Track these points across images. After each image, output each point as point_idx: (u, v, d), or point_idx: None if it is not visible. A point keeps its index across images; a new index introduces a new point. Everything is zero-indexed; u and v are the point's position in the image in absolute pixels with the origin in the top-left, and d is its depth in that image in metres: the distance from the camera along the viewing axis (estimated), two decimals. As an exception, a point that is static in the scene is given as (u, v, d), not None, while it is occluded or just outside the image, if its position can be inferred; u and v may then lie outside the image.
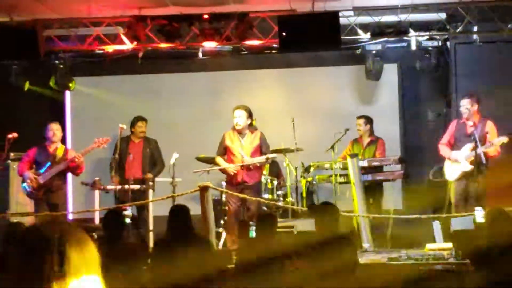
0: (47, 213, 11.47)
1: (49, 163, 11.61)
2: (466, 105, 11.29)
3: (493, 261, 7.10)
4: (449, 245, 10.50)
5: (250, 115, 11.48)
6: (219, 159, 11.60)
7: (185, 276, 7.49)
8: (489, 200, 10.90)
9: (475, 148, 11.01)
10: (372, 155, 12.41)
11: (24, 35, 11.67)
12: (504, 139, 10.99)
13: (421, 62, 13.13)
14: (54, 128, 11.84)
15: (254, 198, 10.96)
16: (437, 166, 11.86)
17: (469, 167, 11.17)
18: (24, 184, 11.61)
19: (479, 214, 7.85)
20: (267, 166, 12.35)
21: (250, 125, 11.57)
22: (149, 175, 12.19)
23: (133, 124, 12.59)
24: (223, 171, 11.53)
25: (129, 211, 10.48)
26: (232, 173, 11.29)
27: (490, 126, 11.28)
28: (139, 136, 12.61)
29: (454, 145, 11.51)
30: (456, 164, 11.32)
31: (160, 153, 12.62)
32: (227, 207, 11.48)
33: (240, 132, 11.47)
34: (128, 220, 10.53)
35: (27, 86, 13.35)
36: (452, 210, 11.30)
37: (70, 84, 13.48)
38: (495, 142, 10.98)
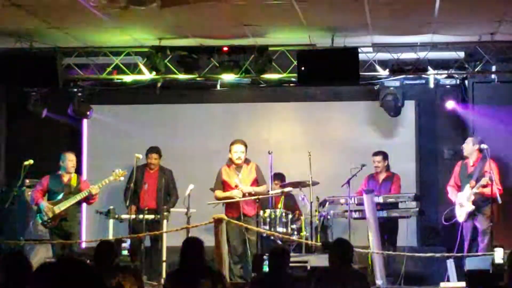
0: (61, 241, 11.51)
1: (63, 193, 11.66)
2: (465, 146, 11.51)
3: None
4: (463, 284, 10.45)
5: (246, 148, 11.68)
6: (219, 193, 11.74)
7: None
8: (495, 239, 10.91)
9: (473, 187, 11.14)
10: (388, 191, 12.38)
11: (43, 63, 11.74)
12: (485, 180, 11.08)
13: (439, 100, 13.14)
14: (72, 159, 11.89)
15: (257, 229, 11.08)
16: (449, 209, 11.86)
17: (471, 207, 11.25)
18: (40, 214, 11.65)
19: (499, 255, 7.78)
20: (282, 199, 12.37)
21: (245, 158, 11.73)
22: (164, 209, 12.15)
23: (146, 154, 12.61)
24: (226, 198, 11.62)
25: (127, 243, 10.46)
26: (238, 194, 11.48)
27: (488, 165, 11.33)
28: (152, 168, 12.63)
29: (460, 186, 11.62)
30: (459, 205, 11.42)
31: (174, 183, 12.63)
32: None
33: (237, 166, 11.61)
34: (125, 252, 10.49)
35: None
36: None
37: (87, 112, 13.52)
38: (482, 183, 11.07)
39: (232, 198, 11.61)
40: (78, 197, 11.68)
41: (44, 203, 11.64)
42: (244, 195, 11.63)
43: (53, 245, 11.77)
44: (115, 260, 7.92)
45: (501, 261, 7.86)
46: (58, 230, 11.72)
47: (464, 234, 11.53)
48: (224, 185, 11.79)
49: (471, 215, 11.41)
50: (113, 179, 11.82)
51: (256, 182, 11.76)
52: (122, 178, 11.91)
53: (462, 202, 11.40)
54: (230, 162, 11.80)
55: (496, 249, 8.00)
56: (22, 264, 5.69)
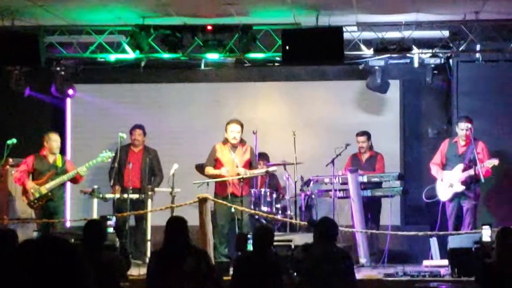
0: (44, 220, 11.48)
1: (49, 174, 11.62)
2: (465, 128, 11.42)
3: (504, 280, 7.07)
4: (446, 262, 10.52)
5: (242, 129, 11.62)
6: (210, 169, 11.69)
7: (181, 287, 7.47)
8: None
9: (466, 169, 11.16)
10: (371, 170, 12.41)
11: (26, 41, 11.65)
12: (495, 161, 11.07)
13: (423, 79, 13.13)
14: (56, 139, 11.86)
15: (241, 208, 11.10)
16: (430, 186, 11.88)
17: (461, 188, 11.29)
18: (26, 194, 11.61)
19: (486, 233, 7.82)
20: (266, 179, 12.38)
21: (241, 139, 11.68)
22: (149, 189, 12.14)
23: (130, 132, 12.58)
24: (216, 176, 11.59)
25: (112, 221, 10.44)
26: (227, 181, 11.41)
27: (481, 147, 11.39)
28: (136, 145, 12.59)
29: (446, 165, 11.63)
30: (447, 184, 11.43)
31: (159, 163, 12.60)
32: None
33: (232, 145, 11.58)
34: (111, 230, 10.49)
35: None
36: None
37: (70, 91, 13.45)
38: (487, 164, 11.08)
39: (220, 176, 11.56)
40: (66, 178, 11.67)
41: (31, 184, 11.61)
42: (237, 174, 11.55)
43: (37, 225, 11.74)
44: (104, 239, 7.91)
45: (489, 239, 7.91)
46: (44, 211, 11.69)
47: (448, 213, 11.58)
48: (216, 163, 11.74)
49: (458, 195, 11.44)
50: (100, 160, 11.81)
51: (249, 164, 11.71)
52: (110, 160, 11.91)
53: (452, 182, 11.41)
54: (226, 140, 11.74)
55: (484, 227, 8.06)
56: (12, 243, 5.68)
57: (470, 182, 11.32)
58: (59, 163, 11.80)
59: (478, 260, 8.10)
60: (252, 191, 11.76)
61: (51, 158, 11.81)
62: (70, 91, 13.24)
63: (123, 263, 8.12)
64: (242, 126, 11.72)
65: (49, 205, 11.68)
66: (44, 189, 11.56)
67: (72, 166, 11.86)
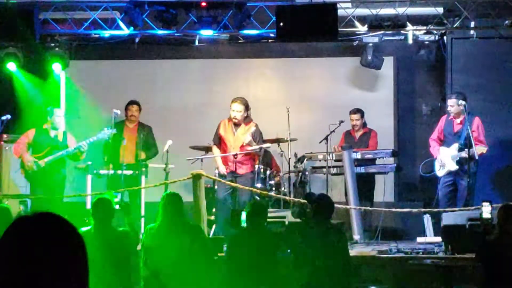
0: (41, 195, 11.48)
1: (49, 148, 11.60)
2: (451, 104, 11.44)
3: (505, 257, 7.11)
4: (439, 239, 10.57)
5: (247, 108, 11.60)
6: (215, 149, 11.72)
7: (176, 263, 7.51)
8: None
9: (461, 149, 11.17)
10: (365, 147, 12.42)
11: (20, 17, 11.60)
12: (484, 149, 11.08)
13: (417, 55, 13.15)
14: (60, 114, 11.84)
15: (246, 188, 11.07)
16: (427, 160, 11.90)
17: (455, 167, 11.31)
18: (26, 167, 11.59)
19: (487, 210, 7.83)
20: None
21: (246, 117, 11.65)
22: (143, 155, 12.13)
23: (126, 107, 12.56)
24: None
25: (118, 198, 10.44)
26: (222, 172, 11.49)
27: (476, 124, 11.38)
28: (131, 120, 12.57)
29: (444, 142, 11.64)
30: (443, 161, 11.44)
31: (154, 139, 12.58)
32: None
33: (235, 124, 11.57)
34: (117, 207, 10.50)
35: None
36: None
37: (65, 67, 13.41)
38: (476, 150, 11.05)
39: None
40: (65, 153, 11.61)
41: (29, 157, 11.59)
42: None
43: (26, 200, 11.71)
44: (112, 216, 7.90)
45: (489, 216, 7.93)
46: (41, 185, 11.68)
47: (441, 188, 11.57)
48: (220, 139, 11.76)
49: (453, 173, 11.46)
50: (101, 137, 11.74)
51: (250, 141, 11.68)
52: (110, 136, 11.80)
53: (446, 160, 11.42)
54: (230, 117, 11.73)
55: (484, 203, 8.08)
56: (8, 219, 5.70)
57: (465, 161, 11.33)
58: (60, 138, 11.78)
59: (478, 237, 8.12)
60: (256, 168, 11.76)
61: (52, 133, 11.79)
62: (65, 67, 13.19)
63: (132, 238, 8.10)
64: (245, 104, 11.63)
65: (47, 179, 11.67)
66: (43, 162, 11.55)
67: (74, 143, 11.83)
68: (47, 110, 11.90)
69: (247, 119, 11.73)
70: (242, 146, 11.65)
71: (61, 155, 11.61)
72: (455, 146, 11.37)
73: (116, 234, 7.67)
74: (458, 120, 11.53)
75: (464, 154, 11.17)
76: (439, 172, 11.50)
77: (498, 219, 7.38)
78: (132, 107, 12.53)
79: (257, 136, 11.71)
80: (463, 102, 11.31)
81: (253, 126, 11.69)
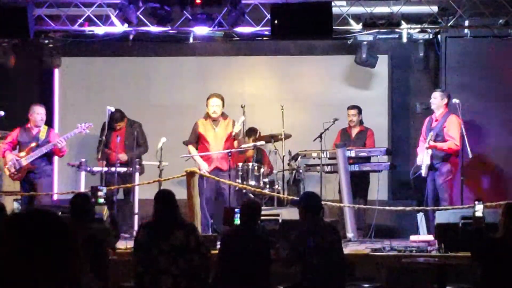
0: (32, 193, 11.47)
1: (31, 146, 11.58)
2: (434, 97, 11.52)
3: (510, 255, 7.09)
4: (431, 237, 10.59)
5: (223, 103, 11.64)
6: (191, 148, 11.73)
7: (168, 260, 7.50)
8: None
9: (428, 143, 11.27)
10: (361, 145, 12.43)
11: (14, 13, 11.57)
12: (444, 145, 11.21)
13: (412, 54, 13.14)
14: (40, 112, 11.81)
15: (229, 182, 11.20)
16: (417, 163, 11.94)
17: (428, 162, 11.37)
18: (7, 166, 11.59)
19: (479, 208, 7.83)
20: (254, 153, 12.41)
21: (222, 113, 11.70)
22: (124, 156, 12.10)
23: (111, 120, 12.35)
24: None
25: (103, 192, 10.40)
26: (211, 156, 11.53)
27: (449, 121, 11.42)
28: (119, 129, 12.45)
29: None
30: (421, 158, 11.50)
31: (144, 135, 12.52)
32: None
33: (214, 120, 11.60)
34: (101, 201, 10.47)
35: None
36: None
37: (58, 64, 13.39)
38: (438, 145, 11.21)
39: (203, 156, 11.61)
40: (44, 150, 11.59)
41: (10, 155, 11.59)
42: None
43: (22, 198, 11.70)
44: (92, 211, 7.93)
45: (481, 215, 7.93)
46: (26, 183, 11.68)
47: (428, 188, 11.61)
48: (200, 138, 11.79)
49: (432, 169, 11.48)
50: (78, 132, 11.75)
51: (233, 137, 11.74)
52: (87, 131, 11.82)
53: (424, 157, 11.47)
54: (207, 115, 11.79)
55: (476, 202, 8.07)
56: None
57: (439, 157, 11.37)
58: (42, 135, 11.76)
59: (472, 236, 8.09)
60: (240, 165, 11.78)
61: (34, 131, 11.78)
62: (58, 64, 13.16)
63: (111, 235, 8.13)
64: (223, 100, 11.76)
65: (31, 178, 11.66)
66: (24, 160, 11.53)
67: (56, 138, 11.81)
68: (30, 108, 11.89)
69: (223, 115, 11.83)
70: (227, 140, 11.68)
71: (40, 152, 11.57)
72: (427, 140, 11.42)
73: (93, 230, 7.64)
74: (435, 117, 11.63)
75: (426, 144, 11.28)
76: (424, 171, 11.52)
77: (502, 218, 7.33)
78: (118, 124, 12.35)
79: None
80: (446, 100, 11.44)
81: (232, 122, 11.76)
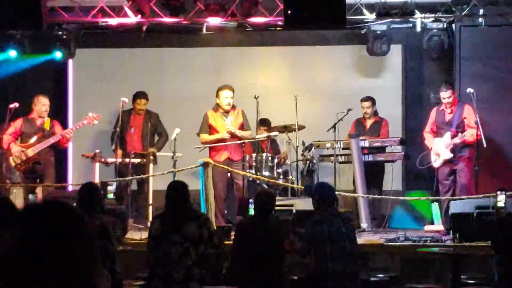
0: (47, 184, 11.48)
1: (36, 137, 11.59)
2: (448, 95, 11.43)
3: None
4: (443, 227, 10.59)
5: (233, 94, 11.65)
6: (206, 136, 11.67)
7: (181, 251, 7.51)
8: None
9: (454, 136, 11.17)
10: (376, 135, 12.39)
11: (27, 5, 11.58)
12: (474, 132, 11.09)
13: (426, 43, 13.07)
14: (45, 103, 11.83)
15: (243, 173, 11.11)
16: (423, 153, 11.86)
17: (449, 155, 11.27)
18: (12, 157, 11.59)
19: (502, 198, 7.77)
20: (268, 144, 12.40)
21: None
22: (151, 150, 12.14)
23: (134, 99, 12.55)
24: (217, 140, 11.57)
25: (112, 187, 10.41)
26: (228, 135, 11.47)
27: (467, 111, 11.36)
28: (139, 113, 12.56)
29: (437, 133, 11.62)
30: (438, 151, 11.41)
31: (162, 125, 12.59)
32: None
33: (224, 111, 11.58)
34: (111, 196, 10.48)
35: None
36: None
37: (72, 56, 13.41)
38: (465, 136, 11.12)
39: (221, 139, 11.56)
40: (52, 140, 11.61)
41: (16, 147, 11.60)
42: (232, 136, 11.55)
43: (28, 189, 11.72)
44: (100, 202, 7.92)
45: (503, 205, 7.88)
46: (31, 174, 11.71)
47: (440, 179, 11.51)
48: (210, 129, 11.77)
49: (448, 161, 11.42)
50: (86, 123, 11.77)
51: (242, 127, 11.73)
52: (96, 122, 11.83)
53: (441, 150, 11.38)
54: (217, 107, 11.75)
55: (498, 192, 8.03)
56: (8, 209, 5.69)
57: (461, 148, 11.31)
58: (46, 126, 11.77)
59: (489, 226, 8.03)
60: (254, 156, 11.77)
61: (38, 121, 11.80)
62: (72, 56, 13.18)
63: (118, 227, 8.12)
64: (233, 91, 11.72)
65: (36, 169, 11.68)
66: (30, 151, 11.55)
67: (61, 130, 11.83)
68: (33, 98, 11.90)
69: (232, 106, 11.79)
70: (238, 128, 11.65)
71: (47, 143, 11.59)
72: (448, 134, 11.35)
73: (100, 221, 7.64)
74: (448, 110, 11.53)
75: (457, 140, 11.18)
76: (435, 163, 11.46)
77: None
78: (141, 101, 12.50)
79: (246, 121, 11.79)
80: (456, 92, 11.41)
81: (241, 112, 11.75)
